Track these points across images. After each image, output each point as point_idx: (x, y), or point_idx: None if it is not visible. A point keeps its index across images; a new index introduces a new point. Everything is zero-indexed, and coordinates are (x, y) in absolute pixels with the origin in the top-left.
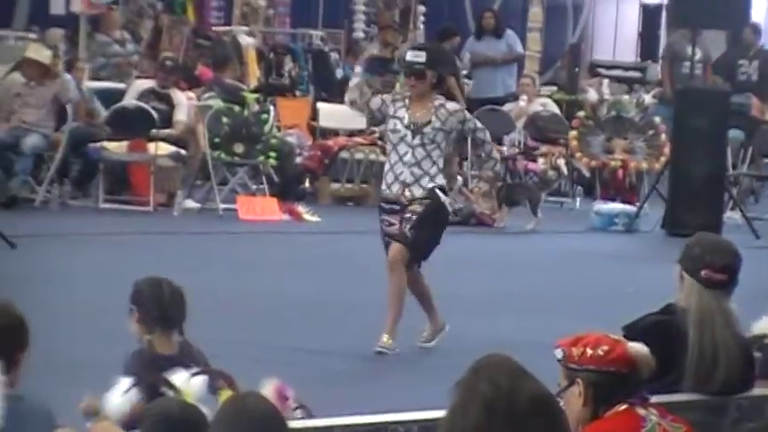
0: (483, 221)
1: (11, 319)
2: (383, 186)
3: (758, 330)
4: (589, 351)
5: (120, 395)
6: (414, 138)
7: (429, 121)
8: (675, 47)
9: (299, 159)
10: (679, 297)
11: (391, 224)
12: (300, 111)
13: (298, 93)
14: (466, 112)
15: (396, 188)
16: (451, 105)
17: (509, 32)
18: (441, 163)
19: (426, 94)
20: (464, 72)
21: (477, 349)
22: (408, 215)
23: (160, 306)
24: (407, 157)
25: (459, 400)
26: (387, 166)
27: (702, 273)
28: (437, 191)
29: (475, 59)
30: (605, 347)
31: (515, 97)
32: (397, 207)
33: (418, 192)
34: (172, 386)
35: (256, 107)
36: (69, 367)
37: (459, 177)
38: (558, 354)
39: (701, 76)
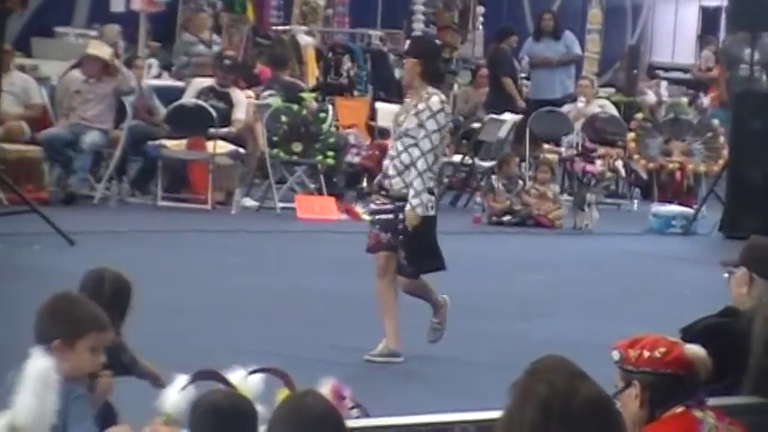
0: (540, 222)
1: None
2: None
3: None
4: (646, 353)
5: (177, 392)
6: (394, 130)
7: (407, 115)
8: (731, 50)
9: (357, 159)
10: (743, 300)
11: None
12: (359, 110)
13: (356, 92)
14: (432, 114)
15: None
16: (428, 103)
17: (567, 34)
18: (419, 160)
19: (412, 84)
20: (523, 74)
21: (534, 350)
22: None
23: (96, 302)
24: (391, 151)
25: (515, 402)
26: None
27: None
28: (406, 204)
29: (533, 60)
30: (662, 349)
31: (573, 99)
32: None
33: (397, 186)
34: (229, 384)
35: (314, 105)
36: None
37: (519, 180)
38: (615, 355)
39: (759, 79)
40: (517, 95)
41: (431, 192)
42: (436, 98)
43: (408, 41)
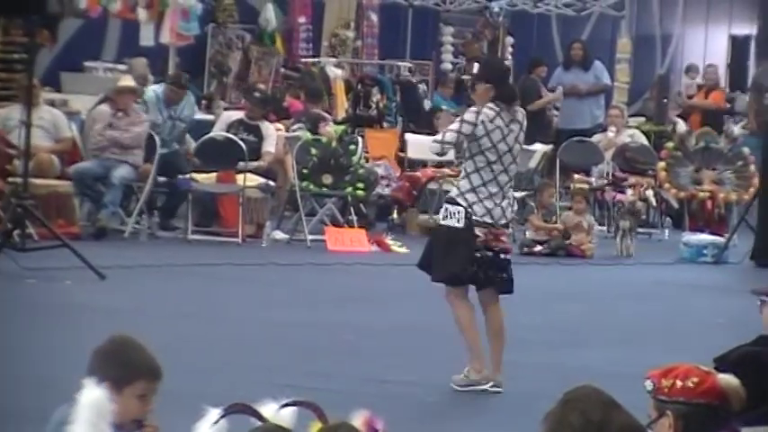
0: (572, 253)
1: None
2: None
3: None
4: (679, 383)
5: (210, 426)
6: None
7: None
8: (760, 79)
9: (387, 190)
10: None
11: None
12: (388, 142)
13: (385, 124)
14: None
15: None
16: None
17: (597, 63)
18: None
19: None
20: (556, 104)
21: (568, 380)
22: None
23: None
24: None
25: (549, 431)
26: None
27: None
28: (442, 211)
29: (565, 89)
30: (695, 379)
31: (604, 128)
32: None
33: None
34: (261, 417)
35: (334, 135)
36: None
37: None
38: (648, 385)
39: None
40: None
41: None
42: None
43: (477, 66)
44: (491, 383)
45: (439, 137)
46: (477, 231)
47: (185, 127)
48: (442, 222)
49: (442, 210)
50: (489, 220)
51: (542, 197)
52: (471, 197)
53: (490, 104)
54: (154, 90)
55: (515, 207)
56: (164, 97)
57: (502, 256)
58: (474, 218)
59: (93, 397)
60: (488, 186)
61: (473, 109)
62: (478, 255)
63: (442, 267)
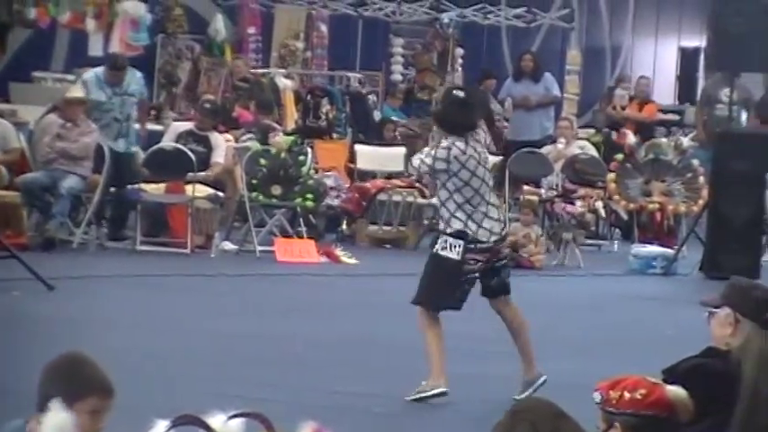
0: (522, 264)
1: None
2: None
3: None
4: (627, 395)
5: None
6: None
7: None
8: (709, 91)
9: (336, 201)
10: (726, 341)
11: None
12: (338, 153)
13: (335, 135)
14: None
15: None
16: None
17: (547, 75)
18: (446, 203)
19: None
20: (505, 116)
21: (514, 391)
22: None
23: None
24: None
25: None
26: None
27: (767, 315)
28: (441, 241)
29: (515, 101)
30: (643, 391)
31: (553, 140)
32: None
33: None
34: (209, 428)
35: (284, 147)
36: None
37: None
38: (597, 397)
39: (738, 119)
40: (490, 137)
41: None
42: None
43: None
44: (438, 390)
45: (415, 161)
46: (479, 257)
47: (137, 103)
48: (440, 252)
49: (441, 240)
50: (484, 243)
51: None
52: (461, 216)
53: (456, 138)
54: (94, 71)
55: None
56: (104, 78)
57: (497, 264)
58: (471, 246)
59: (56, 419)
60: (478, 207)
61: (444, 145)
62: (477, 275)
63: (426, 292)
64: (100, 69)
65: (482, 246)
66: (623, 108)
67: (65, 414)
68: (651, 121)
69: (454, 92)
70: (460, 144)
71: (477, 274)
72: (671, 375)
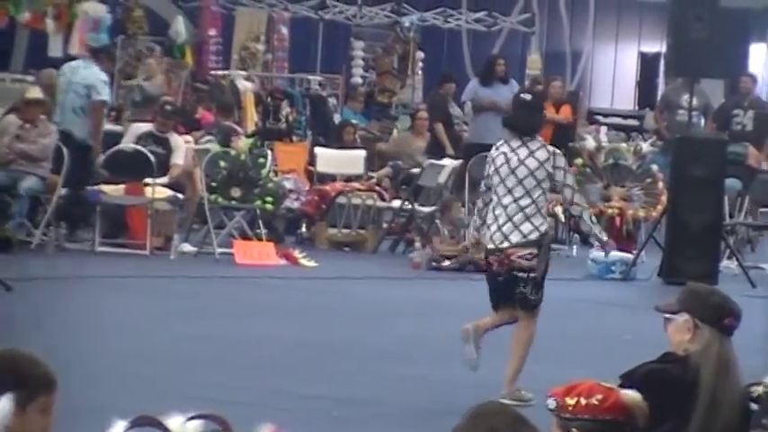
0: (482, 268)
1: None
2: None
3: None
4: (583, 400)
5: None
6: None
7: None
8: (669, 97)
9: (296, 204)
10: (684, 346)
11: None
12: (298, 155)
13: (295, 138)
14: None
15: None
16: None
17: (512, 81)
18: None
19: None
20: (462, 120)
21: (472, 396)
22: None
23: None
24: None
25: None
26: None
27: (726, 321)
28: None
29: (479, 104)
30: (599, 396)
31: None
32: None
33: None
34: (167, 430)
35: (244, 149)
36: (65, 411)
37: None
38: (551, 404)
39: (698, 125)
40: (446, 142)
41: None
42: None
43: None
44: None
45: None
46: (491, 259)
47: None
48: None
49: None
50: (491, 246)
51: (450, 212)
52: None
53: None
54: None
55: (527, 229)
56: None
57: (516, 273)
58: (487, 246)
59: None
60: (493, 210)
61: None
62: (500, 278)
63: None
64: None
65: (490, 248)
66: None
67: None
68: (569, 123)
69: (521, 95)
70: (500, 143)
71: (498, 277)
72: (628, 380)
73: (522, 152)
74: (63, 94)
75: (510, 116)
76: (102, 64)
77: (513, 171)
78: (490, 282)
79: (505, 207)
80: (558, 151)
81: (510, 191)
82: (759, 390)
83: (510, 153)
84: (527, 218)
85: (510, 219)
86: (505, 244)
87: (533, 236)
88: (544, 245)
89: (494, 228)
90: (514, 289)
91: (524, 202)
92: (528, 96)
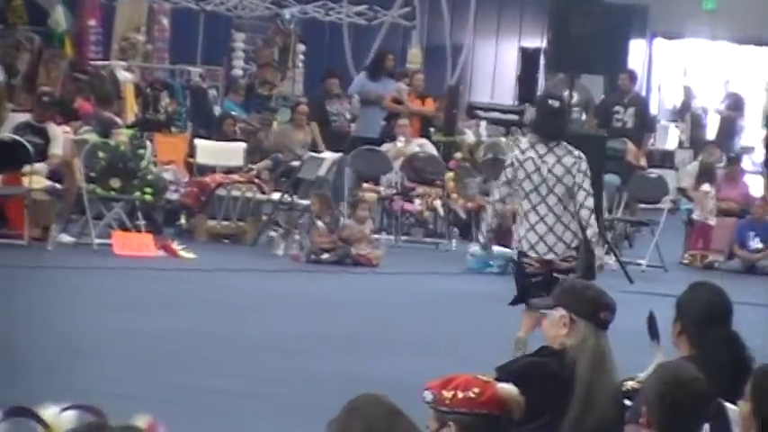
0: (359, 261)
1: None
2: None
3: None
4: (460, 394)
5: None
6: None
7: None
8: (550, 92)
9: (175, 196)
10: (561, 341)
11: None
12: (178, 147)
13: (175, 129)
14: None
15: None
16: None
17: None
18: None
19: None
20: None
21: (349, 389)
22: None
23: None
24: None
25: None
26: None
27: (601, 314)
28: None
29: (368, 98)
30: (477, 389)
31: (393, 137)
32: None
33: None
34: (41, 421)
35: (125, 140)
36: None
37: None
38: (428, 396)
39: (578, 120)
40: (320, 140)
41: None
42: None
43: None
44: None
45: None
46: (528, 261)
47: None
48: None
49: None
50: (532, 254)
51: (326, 206)
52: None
53: (524, 138)
54: None
55: (569, 237)
56: None
57: (555, 275)
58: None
59: None
60: (527, 216)
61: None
62: (535, 279)
63: None
64: None
65: (531, 255)
66: (400, 103)
67: None
68: (433, 115)
69: (549, 101)
70: (523, 144)
71: (533, 278)
72: (504, 373)
73: (550, 159)
74: None
75: (538, 122)
76: None
77: (544, 180)
78: (521, 281)
79: (543, 217)
80: (582, 156)
81: (544, 199)
82: (630, 384)
83: (538, 160)
84: (566, 226)
85: (551, 229)
86: (550, 256)
87: (575, 243)
88: (581, 245)
89: (532, 237)
90: (550, 287)
91: (559, 210)
92: (556, 103)
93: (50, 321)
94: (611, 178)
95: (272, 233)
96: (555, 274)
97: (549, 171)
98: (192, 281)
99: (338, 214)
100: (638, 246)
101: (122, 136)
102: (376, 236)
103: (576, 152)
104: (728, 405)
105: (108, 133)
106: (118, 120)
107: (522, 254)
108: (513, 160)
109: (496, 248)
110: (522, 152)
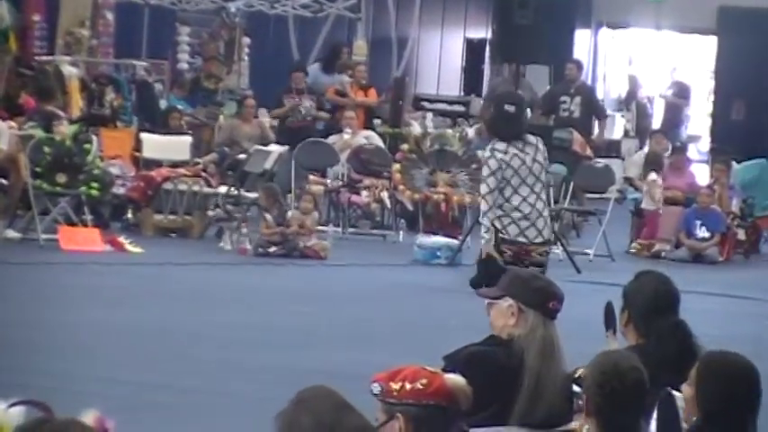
0: (307, 254)
1: None
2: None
3: None
4: (408, 385)
5: None
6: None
7: None
8: (496, 87)
9: (122, 190)
10: (509, 330)
11: None
12: (123, 141)
13: (120, 123)
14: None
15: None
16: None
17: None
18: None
19: None
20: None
21: (300, 382)
22: None
23: None
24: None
25: None
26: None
27: (550, 304)
28: None
29: (322, 90)
30: (424, 381)
31: (339, 129)
32: None
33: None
34: None
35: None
36: None
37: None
38: (376, 388)
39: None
40: (268, 132)
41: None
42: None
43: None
44: None
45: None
46: (504, 248)
47: None
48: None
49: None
50: (522, 239)
51: (273, 199)
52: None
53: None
54: None
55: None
56: None
57: (529, 268)
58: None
59: None
60: (518, 207)
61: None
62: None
63: None
64: None
65: (517, 241)
66: (344, 95)
67: None
68: (377, 106)
69: (505, 108)
70: (499, 145)
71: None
72: (451, 362)
73: (530, 151)
74: None
75: (497, 126)
76: None
77: (530, 171)
78: (493, 268)
79: (533, 204)
80: (541, 140)
81: (532, 189)
82: (582, 371)
83: (522, 154)
84: (549, 214)
85: (540, 214)
86: (540, 239)
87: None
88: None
89: (523, 223)
90: None
91: (544, 197)
92: (512, 108)
93: None
94: (557, 168)
95: (221, 224)
96: (529, 267)
97: (534, 161)
98: (140, 275)
99: (286, 207)
100: (585, 235)
101: (63, 127)
102: (323, 227)
103: (536, 140)
104: (676, 393)
105: (49, 127)
106: (60, 113)
107: (504, 241)
108: (499, 163)
109: (443, 239)
110: (505, 152)
